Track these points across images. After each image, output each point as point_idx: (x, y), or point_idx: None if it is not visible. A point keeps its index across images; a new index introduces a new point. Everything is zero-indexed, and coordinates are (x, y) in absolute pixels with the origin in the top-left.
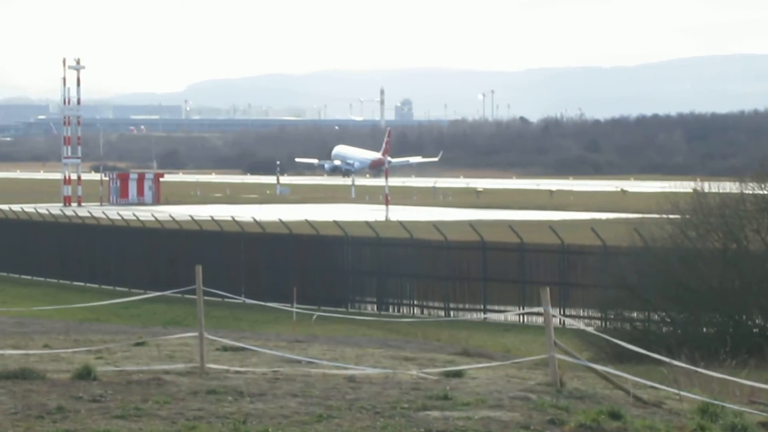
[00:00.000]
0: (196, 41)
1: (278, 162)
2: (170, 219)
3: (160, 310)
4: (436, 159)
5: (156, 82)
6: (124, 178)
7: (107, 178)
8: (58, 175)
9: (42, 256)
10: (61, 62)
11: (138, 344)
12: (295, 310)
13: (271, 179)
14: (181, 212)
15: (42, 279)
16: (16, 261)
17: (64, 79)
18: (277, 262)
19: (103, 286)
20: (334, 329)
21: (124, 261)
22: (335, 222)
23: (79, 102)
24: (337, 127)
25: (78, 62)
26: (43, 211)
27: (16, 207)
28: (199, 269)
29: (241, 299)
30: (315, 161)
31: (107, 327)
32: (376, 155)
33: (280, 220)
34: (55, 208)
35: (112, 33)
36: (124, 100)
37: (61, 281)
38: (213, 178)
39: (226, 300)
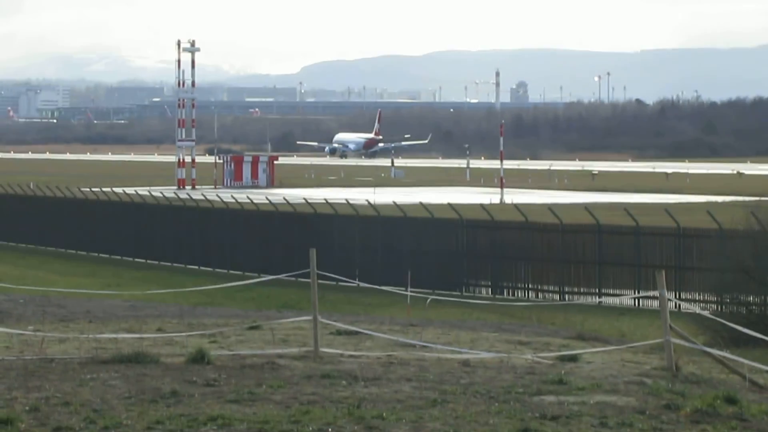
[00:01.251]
0: (311, 23)
1: (393, 144)
2: (284, 202)
3: (274, 293)
4: (425, 141)
5: (271, 64)
6: (238, 161)
7: (221, 161)
8: (172, 158)
9: (155, 240)
10: (175, 44)
11: (252, 328)
12: (409, 293)
13: (385, 162)
14: (296, 195)
15: (155, 262)
16: (129, 244)
17: (179, 61)
18: (391, 245)
19: (217, 270)
20: (448, 313)
21: (238, 244)
22: (450, 205)
23: (193, 84)
24: (452, 110)
25: (192, 44)
26: (157, 194)
27: (130, 190)
28: (313, 252)
29: (356, 283)
30: (315, 143)
31: (221, 311)
32: (368, 136)
33: (395, 203)
34: (169, 191)
35: (227, 15)
36: (239, 82)
37: (175, 264)
38: (327, 161)
39: (340, 283)
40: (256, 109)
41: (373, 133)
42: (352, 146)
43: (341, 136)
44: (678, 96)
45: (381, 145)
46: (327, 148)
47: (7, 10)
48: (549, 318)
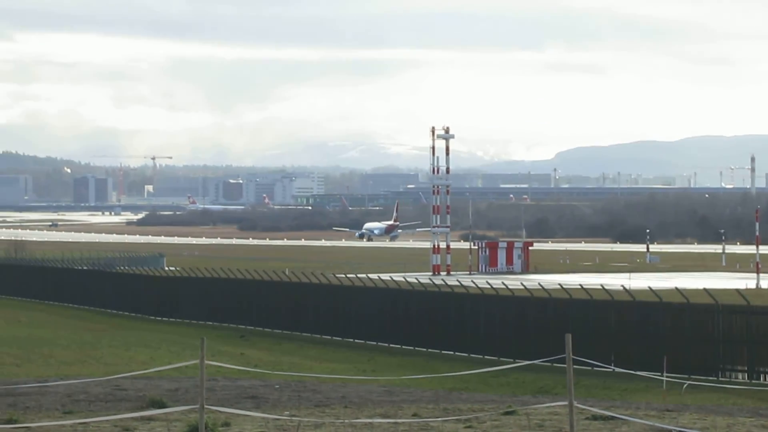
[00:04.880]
0: (565, 109)
1: (648, 230)
2: (539, 287)
3: (529, 378)
4: (419, 222)
5: (525, 150)
6: (493, 247)
7: (476, 247)
8: (427, 244)
9: (411, 325)
10: (429, 131)
11: (507, 413)
12: (665, 378)
13: (640, 247)
14: (550, 280)
15: (411, 348)
16: (384, 330)
17: (433, 148)
18: (646, 331)
19: (472, 355)
20: (704, 398)
21: (493, 329)
22: (705, 290)
23: (447, 171)
24: (707, 195)
25: (447, 131)
26: (412, 279)
27: (385, 276)
28: (568, 338)
29: (611, 368)
30: (347, 229)
31: (476, 396)
32: (389, 223)
33: (650, 289)
34: (424, 277)
35: (482, 101)
36: (494, 168)
37: (430, 350)
38: (582, 246)
39: (596, 368)
40: (511, 196)
41: (393, 220)
42: (376, 231)
43: (369, 225)
44: None
45: (399, 230)
46: (357, 233)
47: (264, 99)
48: None
